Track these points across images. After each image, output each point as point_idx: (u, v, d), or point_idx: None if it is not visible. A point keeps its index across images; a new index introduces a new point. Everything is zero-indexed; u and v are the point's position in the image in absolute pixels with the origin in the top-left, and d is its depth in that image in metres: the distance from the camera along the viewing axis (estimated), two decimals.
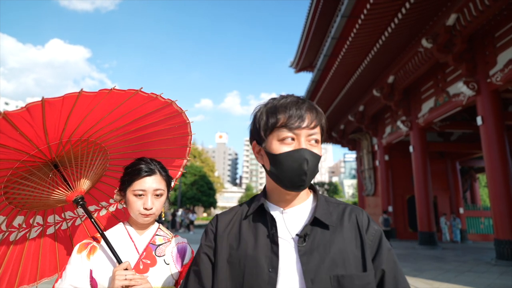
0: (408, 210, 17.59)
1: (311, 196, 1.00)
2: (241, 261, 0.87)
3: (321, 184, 47.74)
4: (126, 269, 1.14)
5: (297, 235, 0.89)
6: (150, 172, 1.28)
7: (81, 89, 1.00)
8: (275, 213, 0.94)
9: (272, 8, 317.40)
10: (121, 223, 1.37)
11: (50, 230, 1.53)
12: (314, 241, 0.88)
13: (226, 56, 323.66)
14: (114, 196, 1.37)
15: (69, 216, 1.57)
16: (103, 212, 1.63)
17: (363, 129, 18.99)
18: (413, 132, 14.54)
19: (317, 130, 0.91)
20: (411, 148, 14.75)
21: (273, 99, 0.96)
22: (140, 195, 1.26)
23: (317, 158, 0.89)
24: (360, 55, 11.99)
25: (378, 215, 17.64)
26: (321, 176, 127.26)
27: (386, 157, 17.85)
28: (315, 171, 0.89)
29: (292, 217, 0.94)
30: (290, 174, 0.87)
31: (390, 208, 17.26)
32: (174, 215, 25.21)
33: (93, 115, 1.19)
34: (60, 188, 1.35)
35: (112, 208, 1.64)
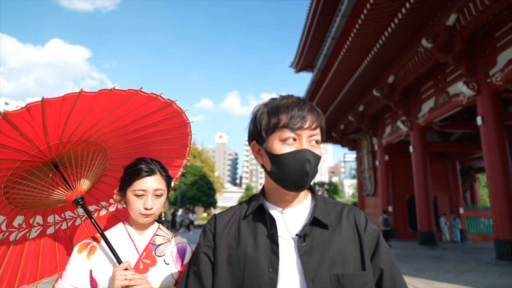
0: (408, 210, 17.60)
1: (309, 196, 1.00)
2: (240, 261, 0.87)
3: (321, 184, 47.67)
4: (126, 269, 1.14)
5: (297, 235, 0.89)
6: (151, 172, 1.29)
7: (81, 89, 1.00)
8: (274, 213, 0.94)
9: (272, 8, 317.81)
10: (121, 223, 1.37)
11: (50, 230, 1.53)
12: (313, 241, 0.88)
13: (226, 56, 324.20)
14: (114, 196, 1.37)
15: (69, 216, 1.57)
16: (103, 212, 1.63)
17: (363, 129, 18.99)
18: (413, 132, 14.54)
19: (318, 131, 0.91)
20: (411, 148, 14.75)
21: (274, 99, 0.96)
22: (140, 195, 1.26)
23: (318, 159, 0.89)
24: (360, 55, 11.99)
25: (378, 215, 17.64)
26: (321, 176, 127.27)
27: (386, 157, 17.85)
28: (315, 171, 0.90)
29: (292, 217, 0.94)
30: (292, 174, 0.87)
31: (390, 208, 17.26)
32: (174, 215, 25.21)
33: (93, 115, 1.19)
34: (60, 188, 1.35)
35: (112, 208, 1.64)
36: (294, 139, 0.88)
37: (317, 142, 0.91)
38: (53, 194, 1.35)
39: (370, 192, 20.06)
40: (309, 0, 18.99)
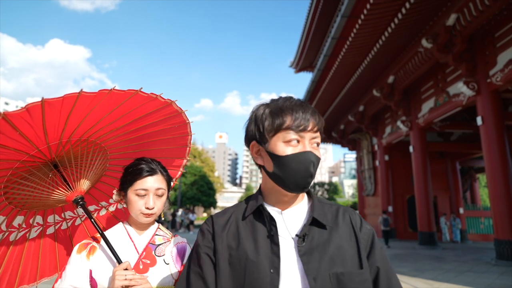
0: (408, 210, 17.60)
1: (305, 197, 1.01)
2: (241, 261, 0.87)
3: (321, 184, 47.70)
4: (126, 269, 1.14)
5: (296, 235, 0.90)
6: (152, 172, 1.29)
7: (81, 90, 1.00)
8: (273, 213, 0.95)
9: (272, 8, 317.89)
10: (120, 223, 1.37)
11: (50, 230, 1.53)
12: (312, 241, 0.89)
13: (226, 56, 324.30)
14: (113, 197, 1.37)
15: (69, 216, 1.58)
16: (103, 212, 1.63)
17: (363, 129, 18.99)
18: (413, 132, 14.54)
19: (318, 134, 0.93)
20: (411, 148, 14.75)
21: (275, 100, 0.96)
22: (142, 194, 1.27)
23: (319, 161, 0.91)
24: (360, 55, 11.99)
25: (378, 215, 17.65)
26: (321, 176, 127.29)
27: (386, 157, 17.85)
28: (315, 173, 0.92)
29: (290, 217, 0.95)
30: (296, 176, 0.87)
31: (390, 208, 17.26)
32: (174, 215, 25.22)
33: (93, 115, 1.19)
34: (60, 188, 1.35)
35: (112, 208, 1.64)
36: (297, 141, 0.88)
37: (317, 144, 0.92)
38: (53, 194, 1.35)
39: (370, 192, 20.06)
40: (309, 0, 18.99)
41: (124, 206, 1.36)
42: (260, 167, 0.98)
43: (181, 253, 1.36)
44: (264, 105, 0.96)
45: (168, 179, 1.37)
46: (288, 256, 0.87)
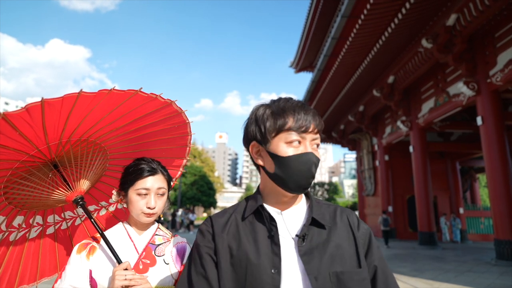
0: (408, 210, 17.59)
1: (303, 197, 1.02)
2: (242, 262, 0.87)
3: (321, 184, 47.68)
4: (126, 269, 1.15)
5: (296, 235, 0.90)
6: (153, 172, 1.29)
7: (81, 90, 1.00)
8: (273, 214, 0.95)
9: (272, 8, 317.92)
10: (120, 223, 1.37)
11: (50, 230, 1.53)
12: (312, 241, 0.90)
13: (226, 56, 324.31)
14: (113, 197, 1.38)
15: (68, 216, 1.58)
16: (102, 212, 1.63)
17: (363, 129, 18.99)
18: (413, 132, 14.54)
19: (318, 135, 0.94)
20: (411, 148, 14.75)
21: (276, 101, 0.96)
22: (144, 194, 1.27)
23: (319, 162, 0.92)
24: (360, 55, 11.99)
25: (378, 215, 17.65)
26: (321, 176, 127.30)
27: (386, 157, 17.85)
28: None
29: (290, 218, 0.95)
30: (298, 177, 0.88)
31: (390, 208, 17.25)
32: (174, 215, 25.22)
33: (93, 115, 1.19)
34: (60, 188, 1.35)
35: (111, 208, 1.64)
36: (299, 142, 0.89)
37: (317, 146, 0.93)
38: (53, 194, 1.35)
39: (370, 192, 20.06)
40: (309, 0, 18.99)
41: (124, 206, 1.36)
42: (259, 167, 0.98)
43: (181, 253, 1.36)
44: (264, 106, 0.96)
45: (169, 179, 1.37)
46: (288, 256, 0.88)
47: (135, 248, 1.29)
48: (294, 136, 0.88)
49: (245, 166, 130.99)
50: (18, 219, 1.40)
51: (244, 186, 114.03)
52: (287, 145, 0.89)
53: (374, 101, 16.21)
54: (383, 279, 0.91)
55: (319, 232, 0.92)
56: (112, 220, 1.62)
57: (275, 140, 0.90)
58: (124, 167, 1.35)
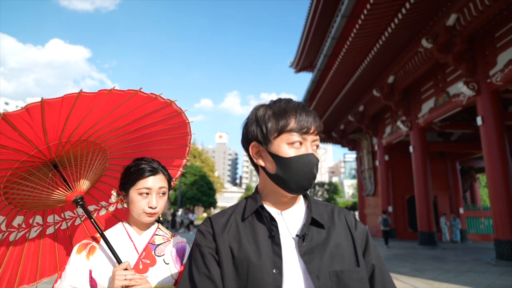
0: (408, 210, 17.60)
1: (301, 197, 1.02)
2: (243, 263, 0.87)
3: (321, 184, 47.64)
4: (126, 269, 1.15)
5: (297, 235, 0.91)
6: (154, 171, 1.30)
7: (81, 90, 1.00)
8: (273, 214, 0.95)
9: (272, 8, 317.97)
10: (120, 223, 1.37)
11: (50, 230, 1.53)
12: (312, 240, 0.90)
13: (226, 56, 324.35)
14: (112, 197, 1.38)
15: (68, 216, 1.58)
16: (102, 212, 1.63)
17: (363, 129, 18.99)
18: (413, 132, 14.54)
19: (318, 137, 0.95)
20: (411, 148, 14.75)
21: (277, 101, 0.96)
22: (146, 193, 1.27)
23: (318, 162, 0.94)
24: (360, 55, 11.99)
25: (378, 215, 17.65)
26: (321, 176, 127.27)
27: (386, 157, 17.85)
28: None
29: (290, 218, 0.96)
30: (300, 177, 0.89)
31: (390, 208, 17.26)
32: (174, 215, 25.23)
33: (93, 115, 1.19)
34: (60, 188, 1.35)
35: (111, 208, 1.64)
36: (300, 143, 0.90)
37: (317, 147, 0.94)
38: (52, 194, 1.35)
39: (370, 192, 20.06)
40: (309, 0, 18.99)
41: (125, 206, 1.36)
42: (258, 168, 0.98)
43: (180, 253, 1.36)
44: (265, 106, 0.96)
45: (169, 179, 1.38)
46: (289, 256, 0.88)
47: (135, 248, 1.29)
48: (295, 137, 0.89)
49: (245, 166, 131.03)
50: (18, 219, 1.40)
51: (244, 186, 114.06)
52: (288, 146, 0.89)
53: (374, 101, 16.21)
54: (381, 278, 0.93)
55: (318, 232, 0.93)
56: (112, 220, 1.62)
57: (277, 141, 0.91)
58: (124, 167, 1.35)
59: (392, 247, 13.73)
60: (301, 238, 0.89)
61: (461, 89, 10.58)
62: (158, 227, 1.39)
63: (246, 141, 0.98)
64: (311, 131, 0.90)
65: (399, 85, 13.90)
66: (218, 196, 49.50)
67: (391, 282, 0.94)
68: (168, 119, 1.38)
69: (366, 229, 1.01)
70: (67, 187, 1.35)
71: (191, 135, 1.51)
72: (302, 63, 24.48)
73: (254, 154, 0.96)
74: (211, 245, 0.92)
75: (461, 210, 18.68)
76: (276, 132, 0.90)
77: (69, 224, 1.58)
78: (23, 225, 1.43)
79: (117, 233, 1.32)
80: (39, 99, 0.97)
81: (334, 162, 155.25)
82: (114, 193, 1.38)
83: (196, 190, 36.44)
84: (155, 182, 1.29)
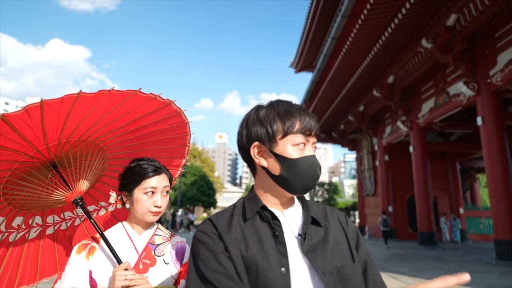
0: (408, 210, 17.60)
1: (295, 198, 1.03)
2: (251, 263, 0.86)
3: (321, 184, 47.56)
4: (126, 269, 1.15)
5: (299, 234, 0.92)
6: (158, 171, 1.31)
7: (80, 90, 1.00)
8: (276, 214, 0.95)
9: (272, 8, 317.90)
10: (120, 223, 1.37)
11: (49, 231, 1.53)
12: (312, 239, 0.92)
13: (226, 56, 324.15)
14: (111, 198, 1.38)
15: (68, 216, 1.58)
16: (102, 212, 1.63)
17: (363, 129, 19.00)
18: (413, 132, 14.54)
19: (316, 138, 0.97)
20: (411, 148, 14.75)
21: (279, 103, 0.96)
22: (151, 192, 1.28)
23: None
24: (360, 55, 12.00)
25: (378, 215, 17.66)
26: (321, 176, 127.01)
27: (386, 157, 17.86)
28: None
29: (291, 218, 0.97)
30: (304, 178, 0.90)
31: (390, 208, 17.26)
32: (174, 215, 25.23)
33: (92, 116, 1.19)
34: (59, 189, 1.35)
35: (111, 208, 1.64)
36: (304, 145, 0.92)
37: (316, 148, 0.96)
38: (52, 195, 1.35)
39: (370, 192, 20.06)
40: (309, 0, 19.00)
41: (126, 206, 1.35)
42: (254, 168, 0.98)
43: (180, 253, 1.36)
44: (266, 107, 0.96)
45: (170, 178, 1.39)
46: (294, 255, 0.89)
47: (135, 248, 1.29)
48: (300, 139, 0.91)
49: (245, 166, 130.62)
50: (18, 220, 1.40)
51: (244, 186, 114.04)
52: (293, 148, 0.91)
53: (374, 101, 16.21)
54: (371, 273, 0.96)
55: (316, 230, 0.95)
56: (112, 220, 1.62)
57: (282, 142, 0.91)
58: (123, 167, 1.35)
59: (392, 247, 13.73)
60: (303, 236, 0.91)
61: (461, 89, 10.58)
62: (157, 227, 1.39)
63: (247, 142, 0.97)
64: (313, 133, 0.93)
65: (399, 85, 13.90)
66: (218, 196, 49.49)
67: (380, 276, 0.98)
68: (167, 119, 1.38)
69: (355, 226, 1.05)
70: (67, 187, 1.35)
71: (190, 134, 1.51)
72: (302, 63, 24.49)
73: (256, 155, 0.96)
74: (219, 244, 0.89)
75: (461, 210, 18.69)
76: (282, 133, 0.91)
77: (68, 224, 1.58)
78: (23, 226, 1.43)
79: (116, 233, 1.32)
80: (39, 99, 0.98)
81: (334, 162, 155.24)
82: (112, 194, 1.38)
83: (196, 190, 36.44)
84: (159, 182, 1.30)
